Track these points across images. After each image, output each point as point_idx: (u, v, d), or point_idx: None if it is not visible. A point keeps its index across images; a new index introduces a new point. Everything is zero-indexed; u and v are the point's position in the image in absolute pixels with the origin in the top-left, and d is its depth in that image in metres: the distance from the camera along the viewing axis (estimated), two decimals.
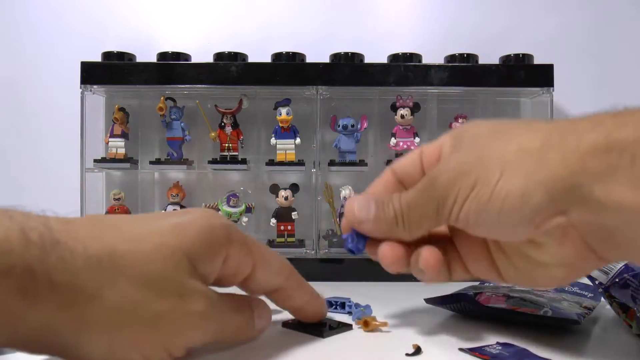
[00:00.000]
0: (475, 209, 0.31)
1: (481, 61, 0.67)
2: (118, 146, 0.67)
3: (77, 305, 0.27)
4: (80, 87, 0.65)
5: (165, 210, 0.67)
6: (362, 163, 0.66)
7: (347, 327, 0.40)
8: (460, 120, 0.66)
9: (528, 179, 0.29)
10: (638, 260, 0.30)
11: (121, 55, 0.66)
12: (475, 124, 0.35)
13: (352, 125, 0.65)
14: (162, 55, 0.67)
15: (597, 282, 0.45)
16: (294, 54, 0.66)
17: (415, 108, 0.66)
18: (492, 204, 0.30)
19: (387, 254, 0.36)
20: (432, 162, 0.37)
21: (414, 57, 0.66)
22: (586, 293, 0.48)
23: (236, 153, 0.67)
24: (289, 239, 0.65)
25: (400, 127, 0.66)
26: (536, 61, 0.66)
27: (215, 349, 0.36)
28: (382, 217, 0.35)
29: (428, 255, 0.35)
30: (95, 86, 0.66)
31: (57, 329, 0.27)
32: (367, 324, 0.41)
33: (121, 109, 0.67)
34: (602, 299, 0.46)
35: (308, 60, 0.67)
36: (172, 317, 0.30)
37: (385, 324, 0.41)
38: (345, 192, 0.65)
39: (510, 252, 0.34)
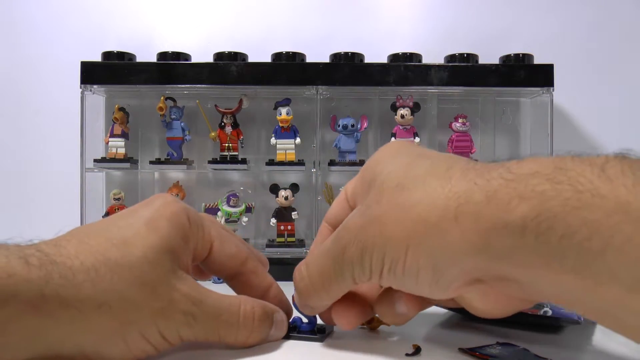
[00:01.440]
0: (393, 281, 0.32)
1: (481, 61, 0.67)
2: (118, 146, 0.67)
3: (88, 315, 0.30)
4: (80, 87, 0.65)
5: None
6: (362, 163, 0.66)
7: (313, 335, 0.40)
8: (460, 120, 0.66)
9: (435, 255, 0.29)
10: (559, 302, 0.30)
11: (121, 55, 0.66)
12: (381, 166, 0.34)
13: (352, 125, 0.65)
14: (162, 55, 0.67)
15: None
16: (294, 54, 0.66)
17: (415, 108, 0.66)
18: (407, 278, 0.31)
19: (339, 320, 0.37)
20: (355, 202, 0.36)
21: (414, 57, 0.66)
22: None
23: (236, 153, 0.67)
24: (289, 239, 0.65)
25: (400, 127, 0.66)
26: (536, 61, 0.66)
27: (223, 348, 0.36)
28: (302, 292, 0.36)
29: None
30: (95, 86, 0.66)
31: (76, 341, 0.30)
32: (371, 322, 0.41)
33: (121, 109, 0.67)
34: None
35: (308, 60, 0.67)
36: (167, 313, 0.32)
37: (387, 323, 0.41)
38: None
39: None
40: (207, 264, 0.39)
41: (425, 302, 0.36)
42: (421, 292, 0.32)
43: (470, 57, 0.66)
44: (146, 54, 0.68)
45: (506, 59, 0.66)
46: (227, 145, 0.67)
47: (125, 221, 0.34)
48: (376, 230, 0.31)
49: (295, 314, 0.40)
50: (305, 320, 0.40)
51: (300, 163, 0.66)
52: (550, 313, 0.40)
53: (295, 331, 0.39)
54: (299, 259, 0.63)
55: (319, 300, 0.36)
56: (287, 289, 0.40)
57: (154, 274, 0.32)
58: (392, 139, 0.66)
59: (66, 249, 0.31)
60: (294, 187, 0.65)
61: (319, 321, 0.40)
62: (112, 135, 0.67)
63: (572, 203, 0.25)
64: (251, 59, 0.67)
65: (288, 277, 0.41)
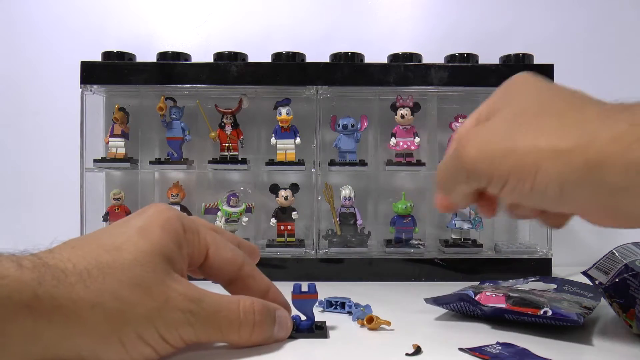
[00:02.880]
0: (515, 197, 0.33)
1: (481, 61, 0.67)
2: (118, 146, 0.67)
3: (82, 316, 0.30)
4: (80, 87, 0.65)
5: None
6: (362, 163, 0.66)
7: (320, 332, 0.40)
8: (460, 120, 0.66)
9: (561, 179, 0.31)
10: None
11: (121, 55, 0.66)
12: (523, 90, 0.36)
13: (352, 125, 0.65)
14: (162, 55, 0.67)
15: (597, 282, 0.45)
16: (294, 54, 0.66)
17: (415, 108, 0.66)
18: (533, 194, 0.32)
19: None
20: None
21: (414, 57, 0.66)
22: (586, 293, 0.48)
23: (236, 153, 0.67)
24: (289, 239, 0.65)
25: (400, 127, 0.66)
26: (536, 61, 0.66)
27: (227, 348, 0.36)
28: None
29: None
30: (95, 86, 0.66)
31: (72, 344, 0.30)
32: (372, 322, 0.41)
33: (121, 109, 0.67)
34: (602, 299, 0.46)
35: (308, 60, 0.67)
36: (164, 313, 0.32)
37: (388, 323, 0.41)
38: (345, 192, 0.65)
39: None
40: (204, 270, 0.39)
41: None
42: (543, 206, 0.34)
43: (470, 57, 0.66)
44: (146, 54, 0.67)
45: (506, 59, 0.66)
46: (227, 145, 0.67)
47: (118, 230, 0.35)
48: (506, 147, 0.33)
49: (294, 312, 0.40)
50: (303, 317, 0.40)
51: (300, 163, 0.66)
52: (550, 313, 0.40)
53: (293, 329, 0.39)
54: (299, 259, 0.63)
55: (447, 192, 0.37)
56: (287, 289, 0.40)
57: (147, 275, 0.33)
58: (392, 139, 0.66)
59: (59, 254, 0.31)
60: (294, 187, 0.65)
61: (317, 318, 0.40)
62: (112, 135, 0.67)
63: None
64: (251, 59, 0.67)
65: (288, 278, 0.41)
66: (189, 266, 0.38)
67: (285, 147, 0.65)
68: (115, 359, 0.31)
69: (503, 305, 0.42)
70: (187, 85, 0.65)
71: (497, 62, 0.67)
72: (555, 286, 0.50)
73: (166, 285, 0.33)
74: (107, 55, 0.66)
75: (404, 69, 0.64)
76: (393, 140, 0.66)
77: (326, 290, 0.40)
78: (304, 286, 0.40)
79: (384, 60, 0.67)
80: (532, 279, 0.54)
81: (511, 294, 0.44)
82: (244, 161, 0.67)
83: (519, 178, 0.32)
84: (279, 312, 0.38)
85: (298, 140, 0.65)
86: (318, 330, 0.39)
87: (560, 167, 0.31)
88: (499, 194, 0.34)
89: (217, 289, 0.38)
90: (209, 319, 0.34)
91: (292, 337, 0.39)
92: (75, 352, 0.30)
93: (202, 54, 0.67)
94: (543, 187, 0.32)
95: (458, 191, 0.36)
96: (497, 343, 0.37)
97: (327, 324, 0.42)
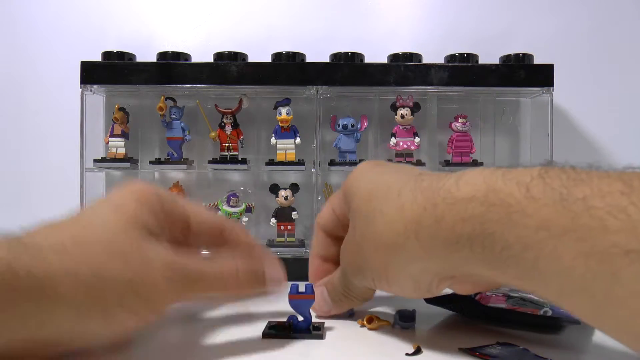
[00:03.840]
0: (386, 289, 0.39)
1: (481, 61, 0.67)
2: (118, 146, 0.67)
3: (59, 288, 0.29)
4: (80, 87, 0.65)
5: None
6: None
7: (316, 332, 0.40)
8: (460, 120, 0.67)
9: (409, 270, 0.35)
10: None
11: (121, 55, 0.66)
12: (355, 188, 0.40)
13: (352, 125, 0.65)
14: (162, 55, 0.67)
15: None
16: (294, 54, 0.66)
17: (415, 108, 0.66)
18: (394, 287, 0.38)
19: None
20: (342, 213, 0.43)
21: (414, 57, 0.66)
22: None
23: (236, 153, 0.67)
24: (289, 239, 0.65)
25: (400, 127, 0.66)
26: (536, 61, 0.66)
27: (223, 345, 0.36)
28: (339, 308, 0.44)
29: None
30: (95, 86, 0.66)
31: (54, 321, 0.29)
32: (371, 322, 0.41)
33: (121, 109, 0.67)
34: None
35: (308, 60, 0.67)
36: (145, 279, 0.32)
37: (388, 323, 0.41)
38: None
39: None
40: (190, 239, 0.39)
41: None
42: (410, 296, 0.38)
43: (470, 57, 0.66)
44: (146, 54, 0.67)
45: (506, 59, 0.66)
46: (227, 145, 0.67)
47: (94, 208, 0.36)
48: (362, 257, 0.38)
49: (290, 312, 0.40)
50: (300, 318, 0.40)
51: (300, 163, 0.66)
52: (550, 313, 0.40)
53: (291, 330, 0.39)
54: (299, 259, 0.63)
55: (343, 309, 0.44)
56: (286, 289, 0.40)
57: (123, 245, 0.32)
58: (392, 139, 0.66)
59: (33, 232, 0.32)
60: (294, 187, 0.65)
61: (314, 319, 0.40)
62: (112, 135, 0.67)
63: (505, 222, 0.29)
64: (251, 59, 0.67)
65: (288, 278, 0.41)
66: (174, 237, 0.37)
67: (285, 147, 0.65)
68: (101, 332, 0.31)
69: (503, 306, 0.42)
70: (187, 85, 0.65)
71: (497, 62, 0.67)
72: None
73: (145, 252, 0.33)
74: (107, 55, 0.66)
75: (404, 69, 0.64)
76: (393, 140, 0.66)
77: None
78: (301, 286, 0.40)
79: (384, 60, 0.67)
80: None
81: (511, 294, 0.44)
82: (244, 161, 0.67)
83: (372, 276, 0.38)
84: (268, 270, 0.39)
85: (298, 140, 0.65)
86: (315, 331, 0.39)
87: (402, 261, 0.35)
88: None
89: None
90: (191, 282, 0.34)
91: (288, 337, 0.38)
92: (60, 329, 0.30)
93: (202, 54, 0.67)
94: (397, 282, 0.37)
95: (351, 297, 0.42)
96: (497, 343, 0.37)
97: (327, 324, 0.42)
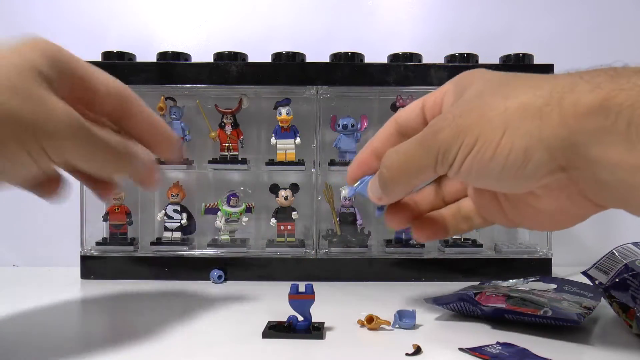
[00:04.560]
0: (478, 165, 0.32)
1: (481, 61, 0.67)
2: None
3: None
4: None
5: (166, 210, 0.67)
6: None
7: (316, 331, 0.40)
8: None
9: (530, 138, 0.30)
10: (633, 209, 0.31)
11: (121, 55, 0.66)
12: (479, 74, 0.35)
13: (352, 125, 0.65)
14: (162, 55, 0.67)
15: (597, 282, 0.45)
16: (294, 53, 0.66)
17: None
18: (495, 161, 0.31)
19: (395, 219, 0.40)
20: (434, 112, 0.38)
21: (414, 57, 0.66)
22: (586, 293, 0.48)
23: (236, 153, 0.67)
24: (289, 239, 0.65)
25: None
26: (536, 61, 0.66)
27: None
28: (387, 173, 0.36)
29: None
30: None
31: None
32: (372, 322, 0.41)
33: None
34: (602, 299, 0.46)
35: (308, 60, 0.67)
36: (46, 121, 0.32)
37: (388, 323, 0.41)
38: (345, 192, 0.65)
39: (514, 200, 0.37)
40: (91, 103, 0.38)
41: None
42: (499, 181, 0.32)
43: (470, 57, 0.66)
44: (146, 54, 0.67)
45: (506, 59, 0.66)
46: (227, 145, 0.67)
47: None
48: (475, 116, 0.32)
49: (291, 312, 0.40)
50: (300, 318, 0.40)
51: (300, 163, 0.66)
52: (550, 313, 0.40)
53: (291, 330, 0.39)
54: (299, 259, 0.63)
55: (397, 185, 0.36)
56: (285, 289, 0.40)
57: (24, 85, 0.32)
58: None
59: None
60: (294, 187, 0.65)
61: (314, 319, 0.40)
62: None
63: None
64: (251, 59, 0.67)
65: (288, 278, 0.41)
66: (72, 93, 0.36)
67: (285, 147, 0.65)
68: (3, 171, 0.31)
69: (503, 305, 0.42)
70: (187, 85, 0.65)
71: (497, 62, 0.67)
72: (555, 286, 0.50)
73: (46, 97, 0.32)
74: (107, 55, 0.66)
75: (404, 69, 0.64)
76: None
77: (326, 290, 0.40)
78: (301, 286, 0.40)
79: (384, 60, 0.67)
80: (532, 279, 0.54)
81: (511, 295, 0.44)
82: (244, 161, 0.67)
83: (484, 140, 0.31)
84: (138, 148, 0.38)
85: (298, 140, 0.65)
86: (315, 331, 0.39)
87: (529, 126, 0.30)
88: (460, 167, 0.33)
89: None
90: (87, 135, 0.34)
91: (288, 337, 0.38)
92: None
93: (202, 54, 0.67)
94: (506, 152, 0.31)
95: (419, 179, 0.35)
96: (497, 343, 0.37)
97: (327, 324, 0.42)
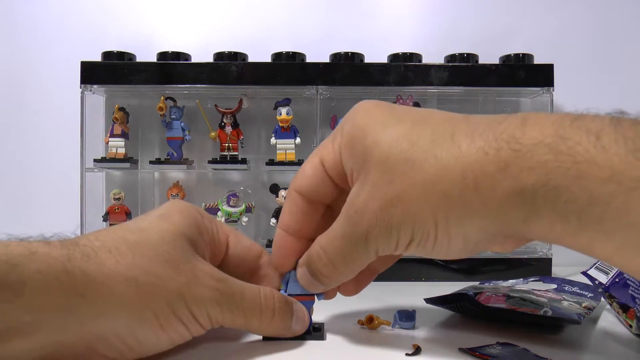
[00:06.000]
0: (422, 252, 0.33)
1: (481, 61, 0.67)
2: (118, 146, 0.67)
3: (115, 290, 0.29)
4: (80, 87, 0.65)
5: None
6: None
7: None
8: None
9: (463, 227, 0.31)
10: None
11: (121, 55, 0.66)
12: (374, 130, 0.33)
13: None
14: (162, 55, 0.67)
15: (597, 282, 0.45)
16: (294, 53, 0.66)
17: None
18: (437, 249, 0.32)
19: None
20: (339, 172, 0.35)
21: (414, 57, 0.66)
22: (586, 293, 0.48)
23: (236, 153, 0.67)
24: None
25: None
26: (536, 61, 0.66)
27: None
28: (324, 275, 0.37)
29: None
30: (95, 86, 0.66)
31: (108, 321, 0.29)
32: (372, 322, 0.41)
33: (121, 109, 0.67)
34: (602, 299, 0.46)
35: (308, 60, 0.67)
36: (193, 288, 0.32)
37: (388, 323, 0.41)
38: None
39: None
40: (226, 261, 0.39)
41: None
42: (448, 257, 0.33)
43: (470, 57, 0.66)
44: (146, 54, 0.67)
45: (506, 59, 0.66)
46: (227, 145, 0.67)
47: (140, 218, 0.36)
48: (400, 210, 0.31)
49: None
50: None
51: (300, 163, 0.66)
52: (550, 313, 0.40)
53: None
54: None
55: (341, 280, 0.37)
56: None
57: (174, 252, 0.33)
58: None
59: (84, 236, 0.32)
60: None
61: (314, 320, 0.40)
62: (112, 135, 0.67)
63: (572, 173, 0.27)
64: (251, 59, 0.67)
65: None
66: (212, 256, 0.38)
67: (285, 147, 0.65)
68: (151, 338, 0.31)
69: (503, 306, 0.42)
70: (187, 85, 0.65)
71: (497, 62, 0.67)
72: (555, 286, 0.50)
73: (192, 264, 0.33)
74: (107, 55, 0.66)
75: (404, 69, 0.64)
76: None
77: None
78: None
79: (384, 60, 0.67)
80: (532, 279, 0.54)
81: (511, 295, 0.44)
82: (244, 161, 0.67)
83: (420, 236, 0.32)
84: (297, 305, 0.38)
85: (298, 140, 0.65)
86: (315, 332, 0.39)
87: (457, 214, 0.30)
88: (402, 252, 0.34)
89: None
90: (234, 299, 0.34)
91: (288, 339, 0.38)
92: (112, 329, 0.30)
93: (202, 54, 0.67)
94: (446, 242, 0.32)
95: (358, 265, 0.35)
96: (497, 343, 0.37)
97: (327, 325, 0.42)
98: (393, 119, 0.33)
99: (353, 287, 0.41)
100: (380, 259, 0.36)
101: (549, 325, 0.41)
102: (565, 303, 0.43)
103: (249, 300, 0.35)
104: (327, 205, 0.38)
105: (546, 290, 0.48)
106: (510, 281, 0.54)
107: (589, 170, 0.26)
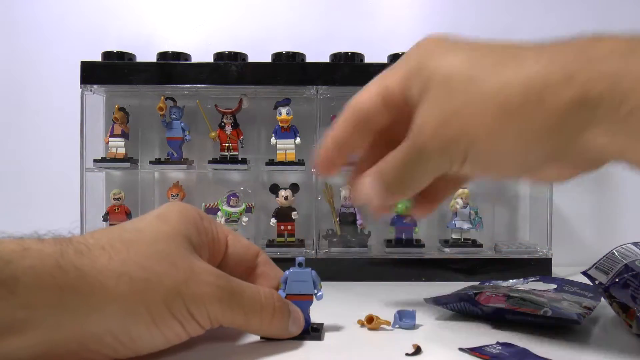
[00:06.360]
0: (476, 167, 0.32)
1: None
2: (118, 146, 0.67)
3: (108, 286, 0.29)
4: (80, 87, 0.65)
5: None
6: None
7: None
8: None
9: (521, 140, 0.30)
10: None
11: (121, 55, 0.66)
12: (438, 56, 0.33)
13: None
14: (162, 55, 0.67)
15: (597, 282, 0.45)
16: (294, 54, 0.66)
17: None
18: (492, 164, 0.32)
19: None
20: (400, 101, 0.35)
21: None
22: (586, 293, 0.48)
23: (236, 153, 0.67)
24: (289, 239, 0.65)
25: None
26: None
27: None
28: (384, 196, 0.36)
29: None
30: (95, 86, 0.66)
31: (102, 319, 0.29)
32: (372, 322, 0.41)
33: (121, 109, 0.67)
34: (602, 299, 0.46)
35: (308, 60, 0.67)
36: (191, 285, 0.32)
37: (388, 323, 0.41)
38: (345, 192, 0.65)
39: None
40: (226, 261, 0.40)
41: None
42: (502, 174, 0.34)
43: None
44: (146, 54, 0.67)
45: None
46: (227, 145, 0.67)
47: (137, 219, 0.36)
48: (456, 125, 0.31)
49: None
50: None
51: (300, 163, 0.66)
52: (550, 313, 0.40)
53: None
54: None
55: (405, 193, 0.36)
56: None
57: (171, 250, 0.32)
58: None
59: (81, 235, 0.32)
60: (294, 187, 0.65)
61: (313, 320, 0.40)
62: (112, 135, 0.67)
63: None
64: (251, 59, 0.67)
65: None
66: (212, 256, 0.38)
67: (285, 147, 0.65)
68: (145, 335, 0.31)
69: (503, 306, 0.42)
70: (187, 85, 0.65)
71: None
72: (555, 286, 0.50)
73: (191, 261, 0.33)
74: (107, 55, 0.66)
75: None
76: None
77: (326, 290, 0.40)
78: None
79: (384, 60, 0.67)
80: (532, 279, 0.54)
81: (511, 294, 0.44)
82: (244, 161, 0.67)
83: (475, 151, 0.31)
84: (292, 306, 0.38)
85: (298, 140, 0.65)
86: (314, 332, 0.39)
87: (516, 128, 0.30)
88: (457, 171, 0.33)
89: None
90: (234, 296, 0.34)
91: (286, 339, 0.38)
92: (105, 326, 0.29)
93: (202, 54, 0.67)
94: (501, 156, 0.31)
95: (414, 186, 0.35)
96: (497, 343, 0.37)
97: (327, 324, 0.42)
98: (456, 46, 0.33)
99: (426, 206, 0.39)
100: (446, 180, 0.36)
101: (549, 325, 0.41)
102: (565, 303, 0.43)
103: (249, 298, 0.35)
104: (377, 132, 0.37)
105: (546, 290, 0.48)
106: (511, 281, 0.54)
107: None
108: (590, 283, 0.46)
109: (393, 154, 0.35)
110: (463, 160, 0.32)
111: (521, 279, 0.54)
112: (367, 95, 0.36)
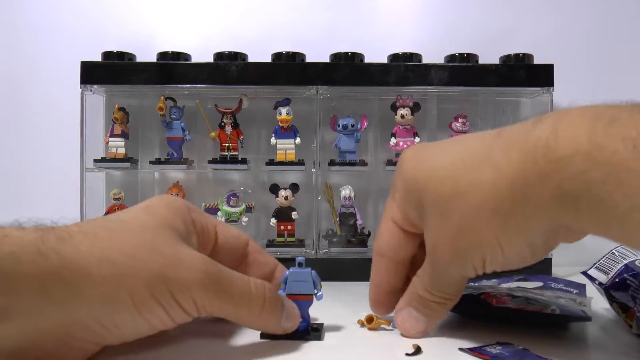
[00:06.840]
0: (497, 267, 0.35)
1: (481, 61, 0.67)
2: (118, 146, 0.67)
3: (90, 270, 0.29)
4: (80, 87, 0.65)
5: None
6: (362, 163, 0.66)
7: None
8: (460, 120, 0.66)
9: (522, 233, 0.33)
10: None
11: (121, 55, 0.66)
12: (421, 171, 0.37)
13: (352, 125, 0.65)
14: (162, 55, 0.67)
15: (597, 282, 0.45)
16: (294, 54, 0.66)
17: (415, 108, 0.66)
18: (509, 260, 0.34)
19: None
20: (410, 225, 0.39)
21: (414, 57, 0.66)
22: (571, 289, 0.48)
23: (236, 153, 0.67)
24: (289, 239, 0.65)
25: (400, 127, 0.66)
26: (536, 61, 0.66)
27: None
28: (435, 318, 0.39)
29: None
30: (95, 86, 0.66)
31: (86, 307, 0.29)
32: (372, 322, 0.41)
33: (121, 109, 0.67)
34: (599, 296, 0.46)
35: (308, 60, 0.67)
36: (176, 271, 0.31)
37: (388, 323, 0.41)
38: (345, 192, 0.65)
39: None
40: (216, 250, 0.40)
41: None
42: (525, 264, 0.35)
43: (470, 57, 0.66)
44: (146, 54, 0.67)
45: (506, 59, 0.66)
46: (227, 145, 0.67)
47: (124, 211, 0.36)
48: (464, 240, 0.34)
49: None
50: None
51: (300, 163, 0.66)
52: (558, 311, 0.40)
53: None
54: None
55: (445, 310, 0.39)
56: None
57: (155, 239, 0.32)
58: (392, 139, 0.66)
59: (63, 224, 0.31)
60: (294, 187, 0.65)
61: (312, 319, 0.40)
62: (112, 135, 0.67)
63: (611, 181, 0.28)
64: (251, 59, 0.67)
65: None
66: (201, 246, 0.38)
67: (285, 147, 0.65)
68: (128, 321, 0.30)
69: (510, 306, 0.42)
70: (187, 85, 0.65)
71: (497, 62, 0.67)
72: (541, 284, 0.50)
73: (176, 249, 0.32)
74: (107, 55, 0.66)
75: (404, 69, 0.64)
76: (393, 140, 0.66)
77: (326, 290, 0.40)
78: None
79: (384, 60, 0.67)
80: (517, 277, 0.54)
81: (515, 294, 0.44)
82: (244, 161, 0.67)
83: (490, 257, 0.34)
84: (287, 301, 0.38)
85: (298, 140, 0.65)
86: (314, 332, 0.39)
87: (517, 229, 0.32)
88: (487, 271, 0.36)
89: None
90: (222, 284, 0.33)
91: (287, 338, 0.38)
92: (88, 312, 0.29)
93: (202, 54, 0.67)
94: (515, 255, 0.34)
95: (453, 294, 0.38)
96: (497, 343, 0.37)
97: (327, 324, 0.42)
98: (433, 160, 0.36)
99: None
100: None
101: (549, 325, 0.41)
102: (562, 300, 0.43)
103: (237, 287, 0.34)
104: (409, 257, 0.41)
105: (535, 288, 0.48)
106: (493, 280, 0.54)
107: (627, 178, 0.27)
108: (590, 283, 0.46)
109: (418, 280, 0.39)
110: (483, 264, 0.35)
111: (506, 278, 0.54)
112: (381, 238, 0.41)
